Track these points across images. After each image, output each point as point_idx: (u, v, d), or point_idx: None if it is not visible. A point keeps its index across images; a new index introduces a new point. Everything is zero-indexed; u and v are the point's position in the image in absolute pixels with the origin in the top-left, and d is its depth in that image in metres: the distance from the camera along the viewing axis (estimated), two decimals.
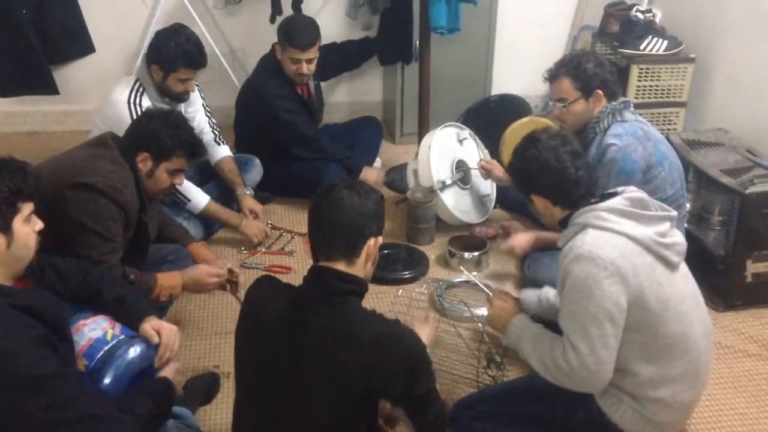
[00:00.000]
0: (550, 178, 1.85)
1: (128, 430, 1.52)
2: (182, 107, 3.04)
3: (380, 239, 1.63)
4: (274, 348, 1.55)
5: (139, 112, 2.77)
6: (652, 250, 1.73)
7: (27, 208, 1.56)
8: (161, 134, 2.24)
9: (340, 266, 1.57)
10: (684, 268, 1.84)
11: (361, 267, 1.60)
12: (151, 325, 1.80)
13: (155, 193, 2.36)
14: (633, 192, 1.81)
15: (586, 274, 1.69)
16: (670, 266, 1.77)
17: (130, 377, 1.71)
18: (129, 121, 2.70)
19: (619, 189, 1.86)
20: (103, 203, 2.13)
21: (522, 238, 2.72)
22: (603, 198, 1.84)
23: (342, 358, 1.49)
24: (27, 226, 1.57)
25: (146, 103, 2.82)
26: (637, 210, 1.76)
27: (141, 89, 2.84)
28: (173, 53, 2.77)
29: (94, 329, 1.72)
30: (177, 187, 2.45)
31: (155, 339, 1.77)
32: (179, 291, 2.29)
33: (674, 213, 1.82)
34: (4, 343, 1.41)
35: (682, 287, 1.80)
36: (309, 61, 3.20)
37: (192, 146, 2.33)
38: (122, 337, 1.75)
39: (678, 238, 1.80)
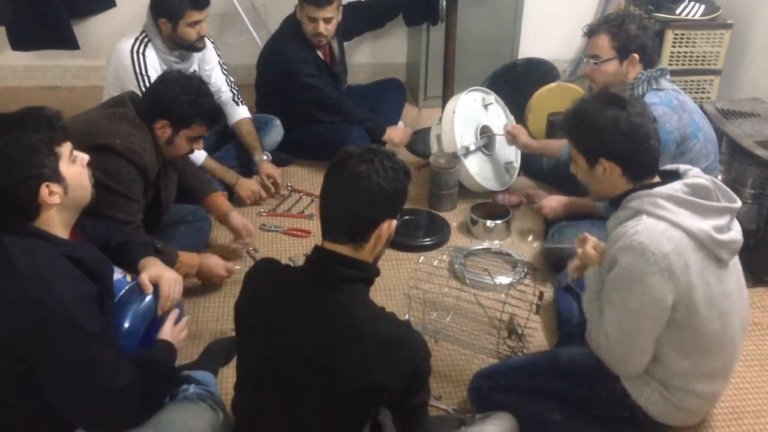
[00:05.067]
0: (634, 144, 1.68)
1: (142, 415, 1.55)
2: (196, 64, 2.98)
3: (395, 222, 1.46)
4: (271, 334, 1.46)
5: (142, 62, 2.75)
6: (706, 246, 1.63)
7: (66, 148, 1.54)
8: (180, 102, 2.20)
9: (345, 250, 1.44)
10: (733, 260, 1.73)
11: (370, 251, 1.46)
12: (149, 274, 1.78)
13: (174, 158, 2.36)
14: (696, 177, 1.68)
15: (633, 267, 1.61)
16: (720, 263, 1.67)
17: (145, 325, 1.73)
18: (131, 70, 2.70)
19: (681, 168, 1.73)
20: (123, 164, 2.12)
21: (554, 200, 2.71)
22: (663, 175, 1.73)
23: (340, 351, 1.39)
24: (74, 166, 1.56)
25: (150, 53, 2.79)
26: (697, 199, 1.64)
27: (146, 40, 2.81)
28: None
29: (115, 271, 1.75)
30: None
31: (149, 290, 1.75)
32: (195, 272, 2.33)
33: (737, 204, 1.69)
34: (61, 293, 1.41)
35: (728, 283, 1.70)
36: (326, 21, 3.09)
37: (212, 114, 2.31)
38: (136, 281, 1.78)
39: (735, 234, 1.69)
